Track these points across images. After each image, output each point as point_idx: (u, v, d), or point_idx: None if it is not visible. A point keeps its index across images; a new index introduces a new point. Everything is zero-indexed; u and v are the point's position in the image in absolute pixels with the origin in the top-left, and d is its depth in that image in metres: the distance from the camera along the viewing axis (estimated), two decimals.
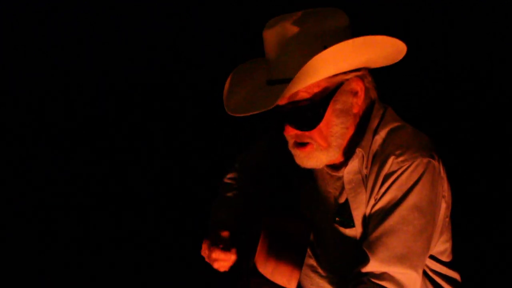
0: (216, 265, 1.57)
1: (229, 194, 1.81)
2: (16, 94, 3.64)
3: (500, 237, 2.48)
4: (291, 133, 1.38)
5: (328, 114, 1.35)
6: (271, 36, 1.32)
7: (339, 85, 1.35)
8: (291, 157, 1.62)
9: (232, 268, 1.66)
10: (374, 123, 1.44)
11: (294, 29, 1.28)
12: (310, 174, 1.60)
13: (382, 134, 1.42)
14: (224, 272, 1.62)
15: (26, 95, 3.64)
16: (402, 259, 1.29)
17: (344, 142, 1.43)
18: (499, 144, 2.57)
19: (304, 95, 1.32)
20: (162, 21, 3.44)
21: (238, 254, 1.58)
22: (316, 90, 1.32)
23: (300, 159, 1.42)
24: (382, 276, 1.29)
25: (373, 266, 1.30)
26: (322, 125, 1.35)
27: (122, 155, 3.57)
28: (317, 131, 1.36)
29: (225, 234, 1.61)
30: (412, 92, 2.55)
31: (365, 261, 1.31)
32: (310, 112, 1.33)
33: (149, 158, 3.56)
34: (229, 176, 1.89)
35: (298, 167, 1.63)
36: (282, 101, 1.33)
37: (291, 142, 1.43)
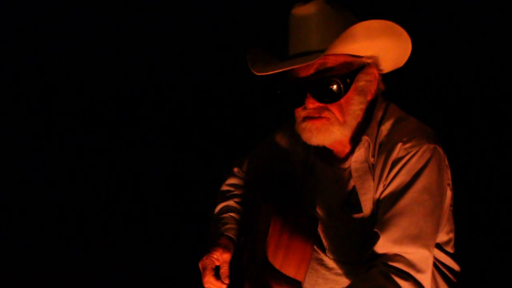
0: (206, 285, 1.60)
1: (227, 202, 1.82)
2: (15, 94, 3.64)
3: (500, 235, 2.51)
4: (312, 105, 1.42)
5: (351, 90, 1.42)
6: (301, 13, 1.40)
7: (362, 66, 1.44)
8: (295, 152, 1.67)
9: (235, 264, 1.68)
10: (379, 114, 1.51)
11: (326, 10, 1.39)
12: (314, 168, 1.64)
13: (387, 125, 1.49)
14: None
15: (26, 95, 3.64)
16: (414, 239, 1.32)
17: (355, 124, 1.47)
18: (499, 144, 2.61)
19: (331, 66, 1.39)
20: (162, 21, 3.46)
21: (237, 259, 1.63)
22: (342, 64, 1.41)
23: (310, 132, 1.45)
24: (394, 257, 1.31)
25: (385, 246, 1.33)
26: (343, 100, 1.41)
27: (121, 155, 3.57)
28: (337, 106, 1.42)
29: (224, 257, 1.63)
30: (412, 92, 2.59)
31: (377, 242, 1.34)
32: (336, 84, 1.39)
33: (148, 158, 3.56)
34: (227, 182, 1.91)
35: (302, 164, 1.68)
36: (308, 71, 1.40)
37: (302, 115, 1.46)
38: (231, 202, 1.84)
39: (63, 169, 3.59)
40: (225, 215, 1.80)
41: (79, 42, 3.54)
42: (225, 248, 1.65)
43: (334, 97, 1.40)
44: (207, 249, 1.65)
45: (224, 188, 1.90)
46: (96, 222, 3.36)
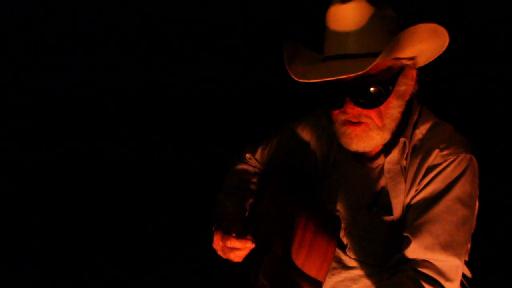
0: (232, 255, 1.55)
1: (239, 186, 1.81)
2: (15, 94, 3.57)
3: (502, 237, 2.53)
4: (351, 111, 1.38)
5: (392, 95, 1.38)
6: (344, 11, 1.33)
7: (401, 68, 1.40)
8: (317, 144, 1.63)
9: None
10: (414, 117, 1.49)
11: (366, 8, 1.33)
12: (339, 165, 1.62)
13: (422, 129, 1.47)
14: (235, 265, 1.62)
15: (26, 95, 3.58)
16: (445, 247, 1.32)
17: (394, 127, 1.45)
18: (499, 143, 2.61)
19: (372, 72, 1.33)
20: (161, 21, 3.41)
21: (255, 242, 1.59)
22: (383, 68, 1.36)
23: (349, 138, 1.41)
24: (423, 263, 1.32)
25: (416, 252, 1.33)
26: (383, 105, 1.38)
27: (121, 154, 3.53)
28: (376, 111, 1.38)
29: (236, 223, 1.61)
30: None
31: (408, 246, 1.34)
32: (377, 89, 1.35)
33: (147, 159, 3.54)
34: (238, 167, 1.88)
35: (324, 158, 1.65)
36: (348, 77, 1.34)
37: (341, 120, 1.42)
38: (238, 186, 1.82)
39: (63, 169, 3.53)
40: (231, 198, 1.77)
41: (79, 42, 3.47)
42: (234, 222, 1.62)
43: (374, 104, 1.37)
44: (221, 222, 1.61)
45: (234, 172, 1.87)
46: (96, 222, 3.33)
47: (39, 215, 3.35)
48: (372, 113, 1.38)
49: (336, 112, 1.42)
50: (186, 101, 3.50)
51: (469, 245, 1.54)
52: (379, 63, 1.32)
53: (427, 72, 1.51)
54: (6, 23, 3.42)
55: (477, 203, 1.47)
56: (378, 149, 1.51)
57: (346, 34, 1.34)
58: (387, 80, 1.37)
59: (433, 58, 1.48)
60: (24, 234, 3.24)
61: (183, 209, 3.22)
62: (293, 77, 1.39)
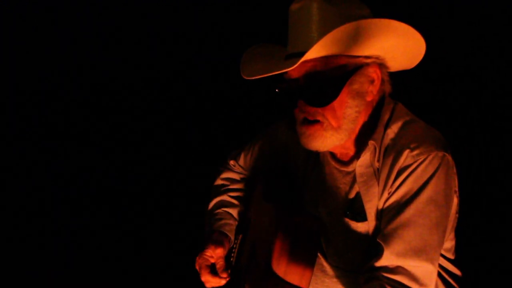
0: (207, 285, 1.60)
1: (224, 197, 1.80)
2: (15, 94, 3.60)
3: (500, 236, 2.49)
4: (306, 108, 1.35)
5: (344, 93, 1.33)
6: (297, 10, 1.31)
7: (358, 67, 1.34)
8: (297, 149, 1.60)
9: (234, 265, 1.66)
10: (385, 116, 1.43)
11: (322, 7, 1.28)
12: (317, 169, 1.59)
13: (394, 128, 1.42)
14: None
15: (25, 95, 3.60)
16: (418, 252, 1.28)
17: (355, 128, 1.41)
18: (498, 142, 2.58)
19: (322, 69, 1.30)
20: (161, 21, 3.40)
21: (238, 253, 1.59)
22: (334, 66, 1.31)
23: (305, 137, 1.39)
24: (397, 270, 1.28)
25: (388, 259, 1.29)
26: (336, 104, 1.33)
27: (120, 155, 3.55)
28: (330, 110, 1.34)
29: (217, 252, 1.61)
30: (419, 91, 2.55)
31: (380, 254, 1.30)
32: (326, 87, 1.31)
33: (145, 159, 3.54)
34: (222, 176, 1.87)
35: (304, 163, 1.62)
36: (298, 73, 1.32)
37: (300, 118, 1.39)
38: (225, 197, 1.81)
39: (62, 168, 3.56)
40: (219, 210, 1.77)
41: (78, 41, 3.48)
42: (217, 244, 1.64)
43: (324, 101, 1.33)
44: (201, 248, 1.63)
45: (219, 182, 1.86)
46: (95, 222, 3.36)
47: (39, 215, 3.40)
48: (326, 112, 1.34)
49: (296, 111, 1.39)
50: (186, 101, 3.51)
51: (450, 244, 1.50)
52: (331, 59, 1.29)
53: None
54: (6, 23, 3.45)
55: (456, 199, 1.42)
56: (352, 153, 1.47)
57: (299, 31, 1.32)
58: (337, 77, 1.31)
59: (415, 61, 1.42)
60: (24, 234, 3.29)
61: (182, 209, 3.24)
62: (242, 74, 1.40)
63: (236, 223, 1.79)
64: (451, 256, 1.52)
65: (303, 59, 1.23)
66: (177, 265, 2.87)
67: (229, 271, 1.63)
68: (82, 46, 3.47)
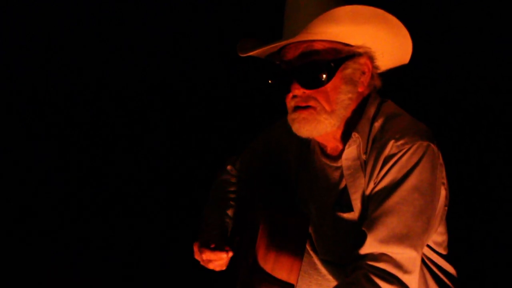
0: (210, 266, 1.57)
1: (221, 197, 1.81)
2: (14, 94, 3.65)
3: (497, 234, 2.47)
4: (298, 91, 1.38)
5: (337, 78, 1.37)
6: None
7: (351, 55, 1.38)
8: (290, 147, 1.62)
9: (231, 266, 1.65)
10: (371, 110, 1.46)
11: None
12: (308, 166, 1.60)
13: (380, 121, 1.44)
14: (223, 271, 1.62)
15: (25, 95, 3.65)
16: (401, 239, 1.28)
17: (346, 116, 1.43)
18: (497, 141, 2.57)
19: (316, 50, 1.35)
20: (160, 21, 3.45)
21: (235, 252, 1.59)
22: (329, 49, 1.36)
23: (298, 122, 1.41)
24: (380, 257, 1.28)
25: (371, 246, 1.29)
26: (329, 87, 1.37)
27: (120, 155, 3.57)
28: (323, 93, 1.37)
29: (214, 233, 1.61)
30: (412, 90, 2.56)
31: (364, 241, 1.30)
32: (320, 69, 1.35)
33: (145, 159, 3.56)
34: (220, 179, 1.88)
35: (296, 160, 1.64)
36: (293, 55, 1.37)
37: (291, 106, 1.42)
38: (224, 200, 1.82)
39: (62, 168, 3.60)
40: (215, 211, 1.77)
41: (78, 41, 3.54)
42: (220, 228, 1.65)
43: (318, 83, 1.36)
44: (200, 234, 1.63)
45: (217, 185, 1.88)
46: (95, 222, 3.37)
47: (39, 215, 3.41)
48: (320, 96, 1.37)
49: (288, 99, 1.42)
50: (186, 102, 3.53)
51: (441, 238, 1.49)
52: (326, 44, 1.34)
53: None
54: (6, 23, 3.50)
55: (444, 191, 1.42)
56: (341, 147, 1.49)
57: (295, 16, 1.38)
58: (331, 60, 1.36)
59: (403, 61, 1.46)
60: (23, 234, 3.29)
61: (183, 209, 3.24)
62: (238, 53, 1.45)
63: (231, 224, 1.79)
64: (443, 251, 1.51)
65: (304, 30, 1.28)
66: (177, 265, 2.89)
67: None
68: (82, 46, 3.52)
